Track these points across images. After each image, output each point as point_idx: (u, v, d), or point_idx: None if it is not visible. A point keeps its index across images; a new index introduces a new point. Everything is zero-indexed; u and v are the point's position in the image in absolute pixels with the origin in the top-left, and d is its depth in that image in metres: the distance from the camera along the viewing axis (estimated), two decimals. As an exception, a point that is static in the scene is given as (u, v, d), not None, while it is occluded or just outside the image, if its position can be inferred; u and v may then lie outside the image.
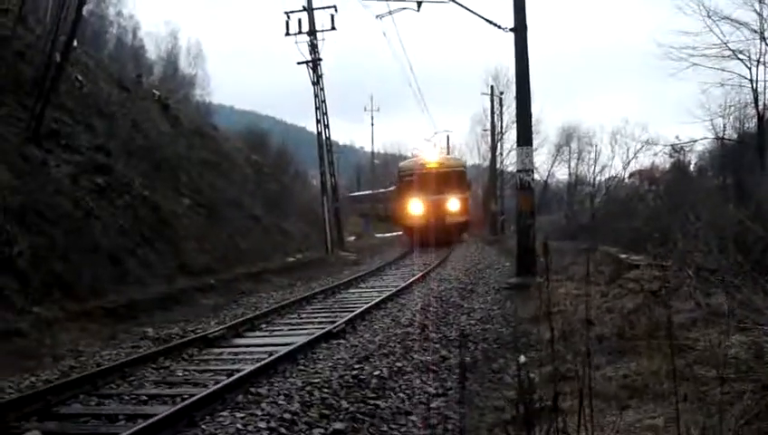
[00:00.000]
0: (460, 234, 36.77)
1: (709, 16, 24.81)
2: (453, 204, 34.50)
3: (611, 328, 8.87)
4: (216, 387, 7.08)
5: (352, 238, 41.85)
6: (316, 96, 32.04)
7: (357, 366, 8.29)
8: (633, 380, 6.40)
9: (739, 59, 25.56)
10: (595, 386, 5.47)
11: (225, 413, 6.52)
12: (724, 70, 26.30)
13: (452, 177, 35.05)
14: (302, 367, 8.44)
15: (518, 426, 3.30)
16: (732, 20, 25.10)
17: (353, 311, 12.29)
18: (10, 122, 15.81)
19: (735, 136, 31.20)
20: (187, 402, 6.52)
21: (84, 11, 22.67)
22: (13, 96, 16.72)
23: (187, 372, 8.56)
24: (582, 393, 3.59)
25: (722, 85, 27.17)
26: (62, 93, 18.32)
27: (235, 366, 8.61)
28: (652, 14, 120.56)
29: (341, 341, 10.02)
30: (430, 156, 37.93)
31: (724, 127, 30.51)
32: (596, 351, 7.57)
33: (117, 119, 21.82)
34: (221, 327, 11.13)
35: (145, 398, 7.38)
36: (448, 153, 54.69)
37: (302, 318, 12.67)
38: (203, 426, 6.16)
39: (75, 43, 19.84)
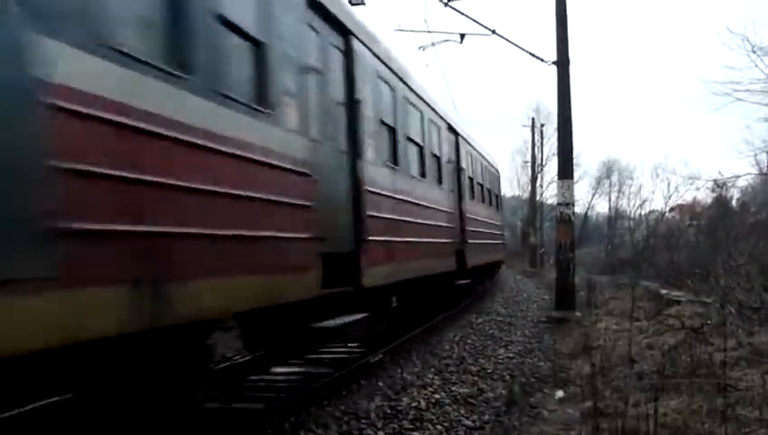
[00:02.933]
0: None
1: (754, 51, 24.60)
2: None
3: (651, 365, 8.80)
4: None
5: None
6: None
7: (395, 397, 8.33)
8: (673, 418, 6.34)
9: (784, 94, 25.28)
10: (634, 424, 5.45)
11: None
12: (768, 105, 26.07)
13: None
14: (343, 394, 8.49)
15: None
16: (776, 55, 24.89)
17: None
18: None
19: (779, 172, 30.82)
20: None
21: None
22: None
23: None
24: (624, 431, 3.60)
25: (766, 120, 26.90)
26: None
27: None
28: (695, 48, 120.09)
29: (379, 370, 10.04)
30: None
31: (768, 162, 30.17)
32: (635, 388, 7.53)
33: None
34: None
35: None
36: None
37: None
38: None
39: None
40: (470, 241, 17.36)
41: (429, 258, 12.81)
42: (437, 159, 14.27)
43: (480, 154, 21.72)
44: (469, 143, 19.17)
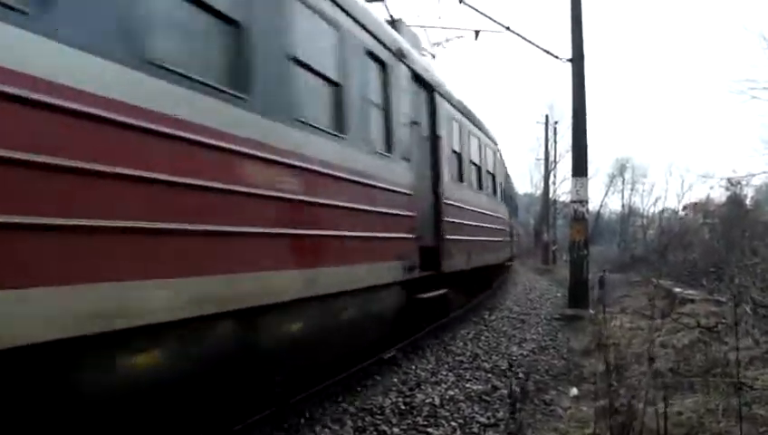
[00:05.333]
0: None
1: (770, 49, 24.47)
2: None
3: (665, 363, 8.79)
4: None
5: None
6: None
7: (409, 393, 8.39)
8: (688, 417, 6.34)
9: (800, 92, 25.13)
10: (649, 422, 5.47)
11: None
12: (783, 103, 25.97)
13: None
14: (358, 390, 8.55)
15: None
16: (793, 53, 24.77)
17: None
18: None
19: (795, 170, 30.75)
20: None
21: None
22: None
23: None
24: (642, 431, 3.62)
25: (782, 119, 26.83)
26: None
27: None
28: (711, 46, 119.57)
29: (394, 366, 10.09)
30: None
31: (783, 161, 30.18)
32: (649, 386, 7.54)
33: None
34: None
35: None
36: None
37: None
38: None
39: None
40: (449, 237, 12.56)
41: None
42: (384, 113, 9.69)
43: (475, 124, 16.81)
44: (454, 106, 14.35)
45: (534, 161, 64.31)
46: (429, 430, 7.08)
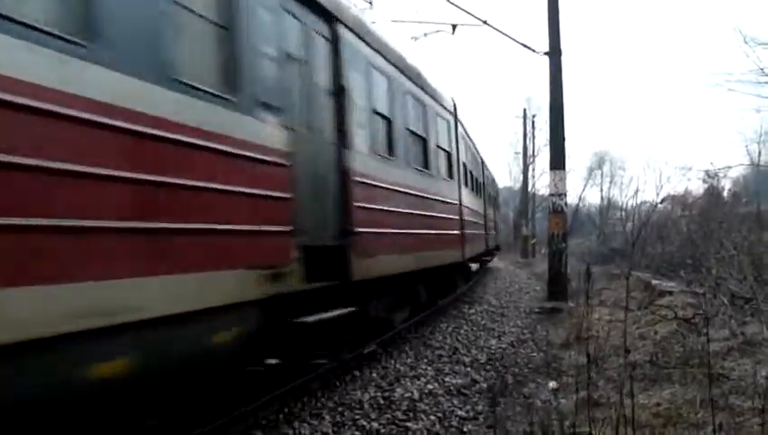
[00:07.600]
0: None
1: (746, 42, 24.60)
2: None
3: (644, 355, 8.82)
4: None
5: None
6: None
7: (388, 388, 8.36)
8: (666, 408, 6.35)
9: (775, 84, 25.28)
10: (628, 414, 5.45)
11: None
12: (759, 96, 26.13)
13: None
14: (337, 386, 8.51)
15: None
16: (769, 45, 24.90)
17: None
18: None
19: (771, 162, 30.99)
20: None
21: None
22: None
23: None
24: (618, 422, 3.60)
25: (758, 111, 27.01)
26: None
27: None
28: (688, 39, 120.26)
29: (373, 361, 10.06)
30: None
31: (760, 153, 30.34)
32: (628, 378, 7.54)
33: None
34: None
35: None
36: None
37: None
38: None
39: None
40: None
41: None
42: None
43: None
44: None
45: (513, 155, 64.58)
46: (408, 424, 7.04)
